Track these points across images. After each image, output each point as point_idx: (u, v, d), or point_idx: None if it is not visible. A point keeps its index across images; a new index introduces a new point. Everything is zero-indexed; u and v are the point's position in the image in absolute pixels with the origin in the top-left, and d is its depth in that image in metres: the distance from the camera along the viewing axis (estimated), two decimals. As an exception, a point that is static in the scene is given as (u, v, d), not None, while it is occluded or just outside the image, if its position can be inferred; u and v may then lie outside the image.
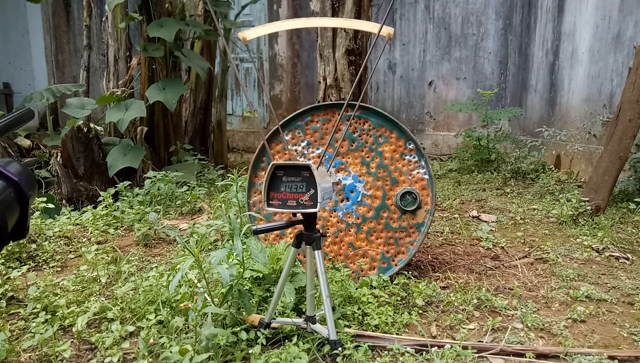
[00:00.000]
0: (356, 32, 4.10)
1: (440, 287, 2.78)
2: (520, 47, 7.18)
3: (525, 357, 2.08)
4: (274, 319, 2.14)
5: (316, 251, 1.99)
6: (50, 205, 4.35)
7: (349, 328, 2.22)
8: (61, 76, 9.37)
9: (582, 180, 5.31)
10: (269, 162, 2.90)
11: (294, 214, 2.10)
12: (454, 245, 3.58)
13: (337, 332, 2.06)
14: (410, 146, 2.90)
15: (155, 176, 4.46)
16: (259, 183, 2.95)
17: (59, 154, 5.11)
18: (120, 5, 5.76)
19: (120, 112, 4.98)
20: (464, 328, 2.34)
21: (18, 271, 2.87)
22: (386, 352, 2.10)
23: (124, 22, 5.65)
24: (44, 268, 3.12)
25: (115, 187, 4.38)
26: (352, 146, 2.92)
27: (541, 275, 3.01)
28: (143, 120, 5.45)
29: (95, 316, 2.40)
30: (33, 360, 2.10)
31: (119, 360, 2.06)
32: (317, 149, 2.93)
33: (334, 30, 4.11)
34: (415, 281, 2.72)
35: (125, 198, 4.24)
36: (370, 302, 2.42)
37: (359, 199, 2.90)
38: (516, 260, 3.27)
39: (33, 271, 3.00)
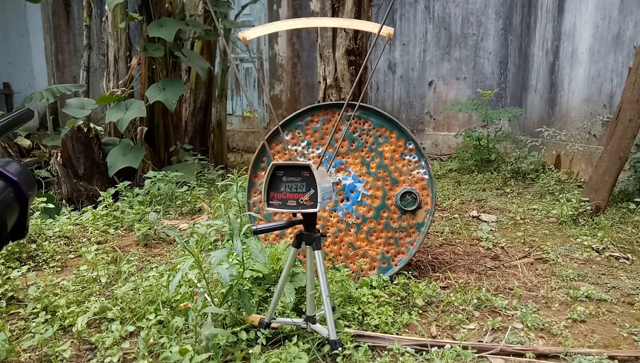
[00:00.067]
0: (356, 32, 4.10)
1: (440, 287, 2.78)
2: (520, 47, 7.18)
3: (525, 357, 2.08)
4: (274, 319, 2.14)
5: (316, 251, 1.99)
6: (50, 205, 4.35)
7: (349, 328, 2.22)
8: (61, 76, 9.37)
9: (582, 180, 5.30)
10: (269, 162, 2.89)
11: (294, 215, 2.10)
12: (454, 245, 3.58)
13: (337, 332, 2.06)
14: (410, 146, 2.89)
15: (155, 176, 4.46)
16: (259, 183, 2.95)
17: (59, 154, 5.11)
18: (120, 5, 5.76)
19: (120, 112, 4.98)
20: (464, 328, 2.34)
21: (18, 271, 2.87)
22: (386, 352, 2.10)
23: (124, 22, 5.65)
24: (44, 268, 3.12)
25: (115, 187, 4.38)
26: (352, 146, 2.92)
27: (541, 275, 3.01)
28: (143, 120, 5.45)
29: (95, 316, 2.40)
30: (33, 360, 2.10)
31: (119, 360, 2.06)
32: (317, 149, 2.93)
33: (334, 30, 4.11)
34: (415, 281, 2.72)
35: (125, 198, 4.24)
36: (370, 302, 2.42)
37: (359, 199, 2.90)
38: (516, 260, 3.27)
39: (33, 271, 3.00)
